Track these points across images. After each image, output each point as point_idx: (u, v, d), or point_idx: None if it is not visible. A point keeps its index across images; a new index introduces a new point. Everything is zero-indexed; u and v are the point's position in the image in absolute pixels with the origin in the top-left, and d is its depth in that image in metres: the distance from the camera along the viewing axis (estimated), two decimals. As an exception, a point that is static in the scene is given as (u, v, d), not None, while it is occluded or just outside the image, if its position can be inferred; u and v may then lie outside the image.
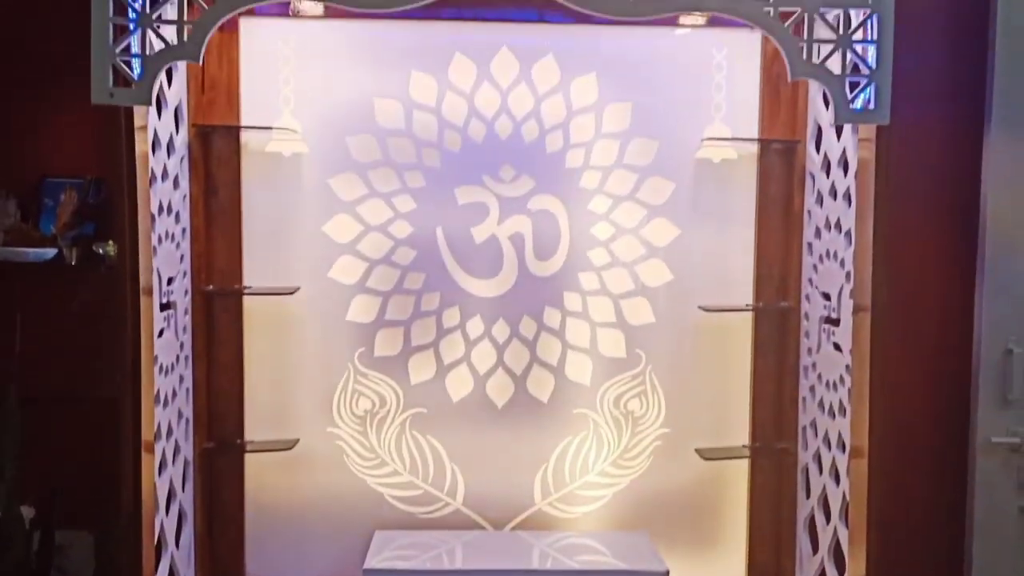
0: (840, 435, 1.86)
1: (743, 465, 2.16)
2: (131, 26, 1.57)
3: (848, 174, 1.83)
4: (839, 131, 1.86)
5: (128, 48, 1.57)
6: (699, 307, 2.14)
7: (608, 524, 2.16)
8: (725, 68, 2.10)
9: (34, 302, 2.07)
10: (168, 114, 1.85)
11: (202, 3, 1.58)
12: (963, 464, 2.17)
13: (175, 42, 1.58)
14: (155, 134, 1.75)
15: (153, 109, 1.69)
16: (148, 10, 1.57)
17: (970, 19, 2.06)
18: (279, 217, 2.10)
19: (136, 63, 1.57)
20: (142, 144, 1.66)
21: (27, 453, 1.91)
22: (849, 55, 1.59)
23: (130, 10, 1.58)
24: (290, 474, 2.11)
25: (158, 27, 1.58)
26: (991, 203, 2.13)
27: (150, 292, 1.69)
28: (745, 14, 1.55)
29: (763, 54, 2.08)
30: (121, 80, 1.58)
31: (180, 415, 1.92)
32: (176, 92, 1.89)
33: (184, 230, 1.96)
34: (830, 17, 1.61)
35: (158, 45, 1.60)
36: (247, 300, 2.09)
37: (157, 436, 1.73)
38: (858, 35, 1.61)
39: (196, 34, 1.56)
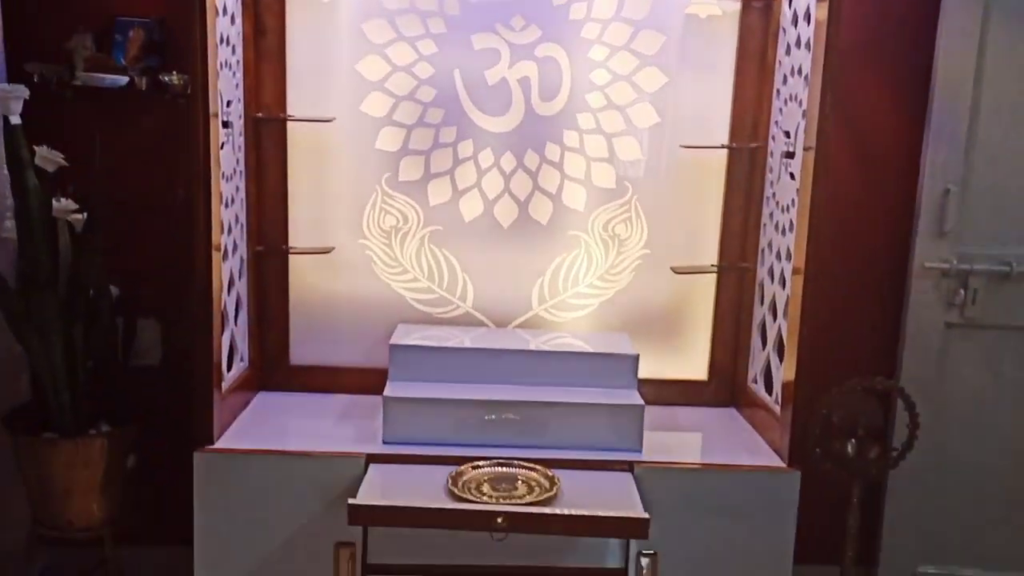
0: (788, 249, 2.21)
1: (711, 281, 2.53)
2: None
3: (811, 24, 2.12)
4: (805, -14, 2.14)
5: None
6: (681, 146, 2.47)
7: (594, 327, 2.55)
8: (713, -71, 2.36)
9: (111, 122, 2.43)
10: (225, -41, 2.15)
11: None
12: (900, 284, 2.54)
13: None
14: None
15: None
16: None
17: None
18: (318, 56, 2.41)
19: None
20: (214, -16, 1.97)
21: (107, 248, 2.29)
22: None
23: None
24: (327, 277, 2.50)
25: None
26: (942, 59, 2.42)
27: (217, 115, 2.04)
28: None
29: (747, -84, 2.34)
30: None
31: (237, 219, 2.30)
32: (231, -60, 2.19)
33: (238, 62, 2.29)
34: None
35: None
36: (290, 127, 2.43)
37: (222, 231, 2.12)
38: None
39: None
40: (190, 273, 2.22)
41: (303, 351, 2.54)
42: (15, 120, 1.90)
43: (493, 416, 2.16)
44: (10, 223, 2.12)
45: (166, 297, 2.46)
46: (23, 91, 1.92)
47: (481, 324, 2.53)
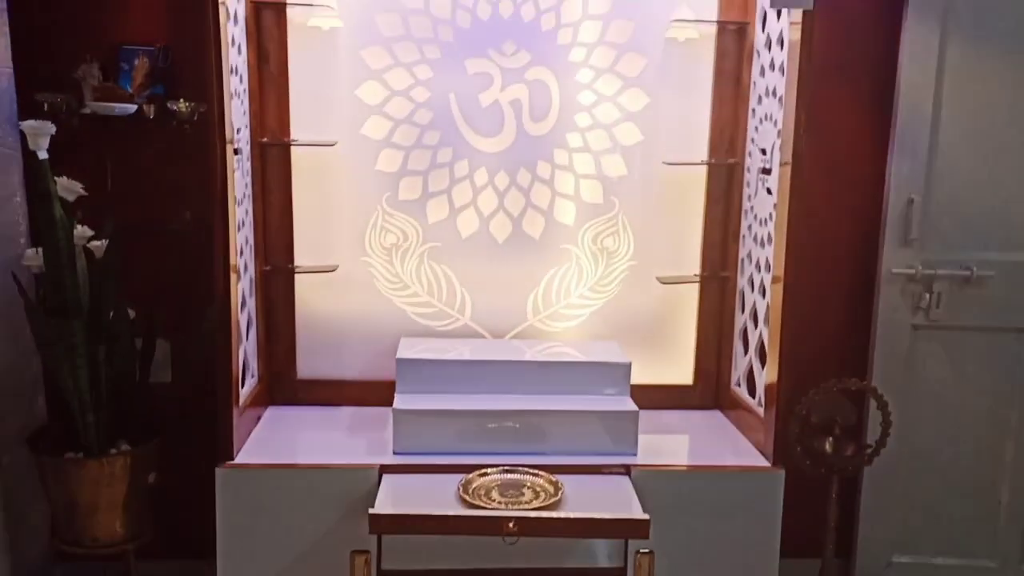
0: (767, 259, 2.37)
1: (694, 289, 2.68)
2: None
3: (783, 49, 2.27)
4: (779, 14, 2.29)
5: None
6: (664, 162, 2.61)
7: (585, 336, 2.68)
8: (691, -41, 2.51)
9: (119, 149, 2.51)
10: (232, -8, 2.24)
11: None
12: (870, 290, 2.71)
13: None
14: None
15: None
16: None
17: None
18: (319, 82, 2.51)
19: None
20: (224, 16, 2.07)
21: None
22: (783, -47, 2.02)
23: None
24: (332, 293, 2.61)
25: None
26: (905, 78, 2.59)
27: (232, 140, 2.14)
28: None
29: (722, -52, 2.49)
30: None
31: (247, 241, 2.40)
32: (237, -26, 2.28)
33: (245, 90, 2.39)
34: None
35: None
36: (294, 151, 2.53)
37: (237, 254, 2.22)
38: (792, -62, 2.03)
39: (266, -72, 1.96)
40: (198, 293, 2.32)
41: (309, 365, 2.64)
42: (42, 155, 1.98)
43: (495, 425, 2.29)
44: (30, 251, 2.20)
45: (174, 316, 2.54)
46: (50, 127, 2.00)
47: (479, 336, 2.66)
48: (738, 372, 2.60)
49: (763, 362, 2.39)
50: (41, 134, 1.97)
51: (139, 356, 2.35)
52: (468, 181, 2.61)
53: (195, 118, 2.44)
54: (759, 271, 2.44)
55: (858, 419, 2.54)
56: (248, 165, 2.43)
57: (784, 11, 2.22)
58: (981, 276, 2.63)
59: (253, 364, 2.49)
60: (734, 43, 2.56)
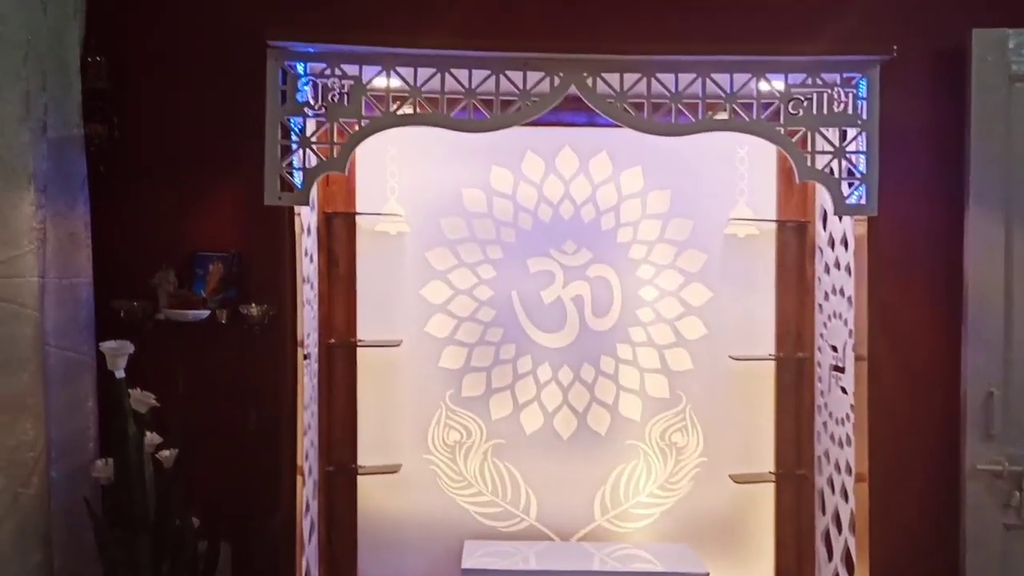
0: (847, 462, 2.28)
1: (769, 488, 2.58)
2: (294, 147, 2.08)
3: (848, 250, 2.28)
4: (840, 216, 2.31)
5: (291, 163, 2.07)
6: (730, 356, 2.58)
7: (656, 537, 2.57)
8: (747, 161, 2.56)
9: (191, 352, 2.55)
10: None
11: (346, 128, 2.08)
12: (956, 488, 2.57)
13: (325, 158, 2.08)
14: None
15: (305, 204, 2.18)
16: (307, 134, 2.08)
17: (950, 122, 2.51)
18: (386, 283, 2.58)
19: (298, 175, 2.07)
20: (299, 229, 2.15)
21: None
22: (844, 162, 2.05)
23: (293, 134, 2.08)
24: (394, 493, 2.56)
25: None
26: (972, 270, 2.55)
27: (303, 345, 2.18)
28: (762, 133, 2.02)
29: (778, 151, 2.54)
30: (285, 186, 2.08)
31: (312, 443, 2.39)
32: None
33: (315, 295, 2.45)
34: (829, 132, 2.08)
35: (311, 159, 2.10)
36: (360, 351, 2.56)
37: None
38: (851, 147, 2.07)
39: (343, 152, 2.06)
40: (260, 492, 2.29)
41: (370, 569, 2.56)
42: (119, 374, 2.03)
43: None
44: (100, 463, 2.21)
45: (235, 516, 2.49)
46: (128, 347, 2.05)
47: (545, 537, 2.56)
48: (822, 579, 2.45)
49: (850, 571, 2.25)
50: (120, 355, 2.02)
51: (202, 561, 2.30)
52: (531, 376, 2.60)
53: (265, 321, 2.48)
54: (839, 472, 2.34)
55: (956, 632, 2.35)
56: (315, 367, 2.46)
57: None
58: (1075, 473, 2.48)
59: (315, 571, 2.41)
60: (795, 238, 2.58)
